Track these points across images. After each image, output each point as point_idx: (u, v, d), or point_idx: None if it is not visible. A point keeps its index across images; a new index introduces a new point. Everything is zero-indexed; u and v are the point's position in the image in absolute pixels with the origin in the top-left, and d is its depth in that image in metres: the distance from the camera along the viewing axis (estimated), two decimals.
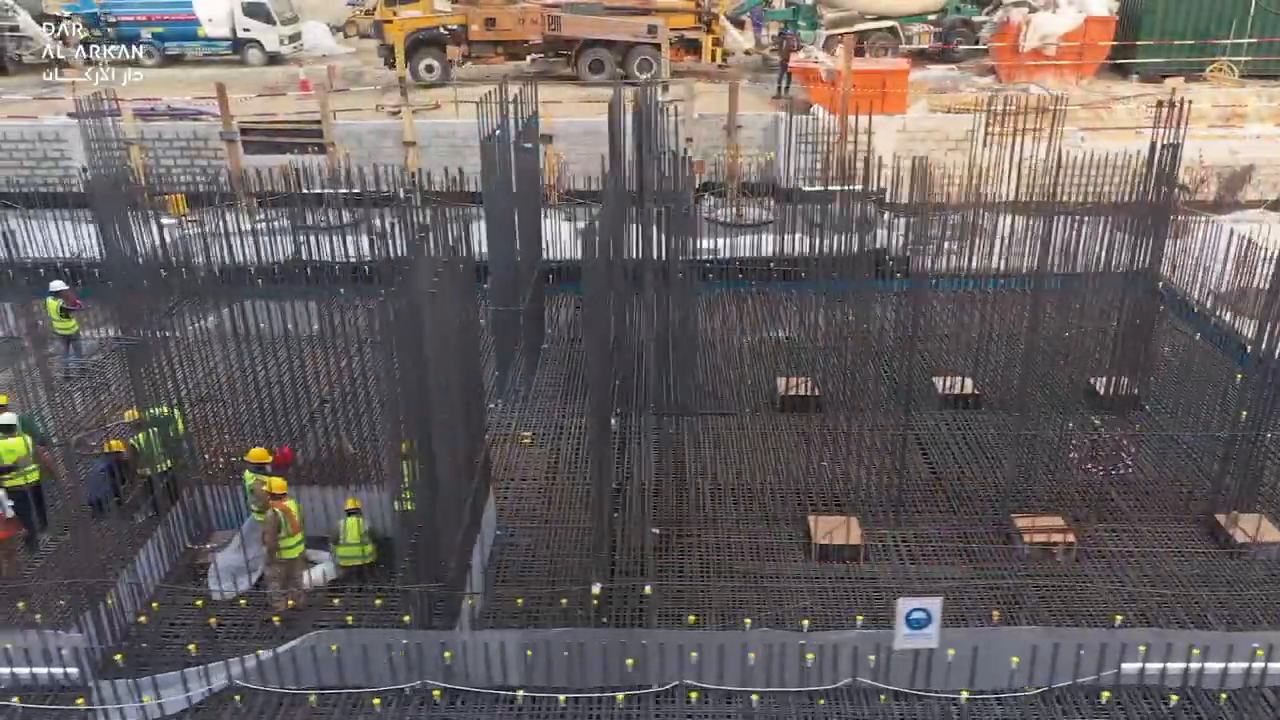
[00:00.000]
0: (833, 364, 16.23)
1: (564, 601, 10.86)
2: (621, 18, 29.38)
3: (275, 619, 11.45)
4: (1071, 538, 12.79)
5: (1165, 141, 15.07)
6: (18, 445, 13.11)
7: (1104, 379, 16.22)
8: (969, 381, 16.88)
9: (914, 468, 14.41)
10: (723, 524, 13.43)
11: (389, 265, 10.32)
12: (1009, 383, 16.80)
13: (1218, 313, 18.23)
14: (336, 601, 11.57)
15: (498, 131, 16.78)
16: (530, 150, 18.55)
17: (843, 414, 14.67)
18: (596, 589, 10.25)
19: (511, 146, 17.23)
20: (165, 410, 14.06)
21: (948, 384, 16.88)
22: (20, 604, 11.45)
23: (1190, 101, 15.69)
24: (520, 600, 11.41)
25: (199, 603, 11.72)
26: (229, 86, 27.30)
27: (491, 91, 17.32)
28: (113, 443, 14.18)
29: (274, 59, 36.02)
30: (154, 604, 11.56)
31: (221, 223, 23.35)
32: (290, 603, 11.74)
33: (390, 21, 29.28)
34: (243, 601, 11.89)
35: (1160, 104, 15.15)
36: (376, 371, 14.67)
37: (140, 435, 12.99)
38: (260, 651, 10.45)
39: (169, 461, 13.13)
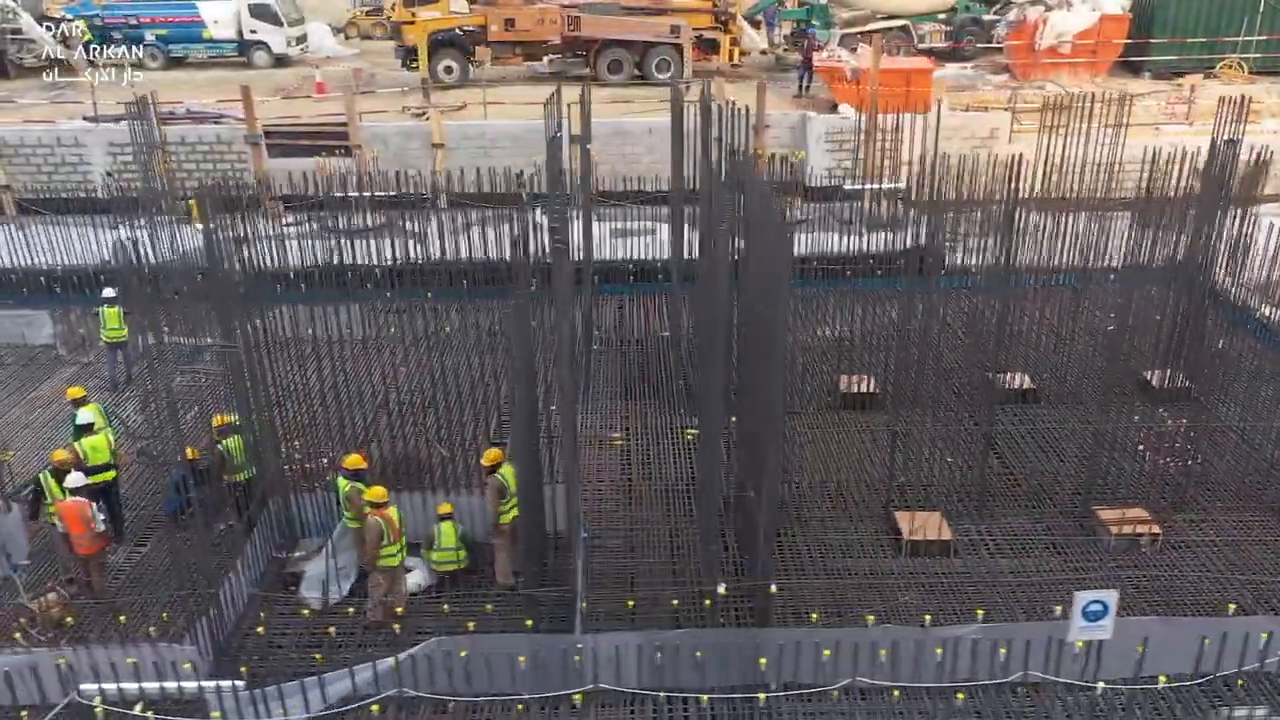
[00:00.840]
0: (891, 362, 16.36)
1: (675, 602, 10.81)
2: (642, 18, 29.36)
3: (396, 626, 11.30)
4: (1157, 529, 12.96)
5: (1227, 137, 15.31)
6: (100, 442, 13.12)
7: (1157, 372, 16.45)
8: (1025, 377, 17.04)
9: (988, 463, 14.52)
10: (809, 522, 13.48)
11: (521, 266, 10.23)
12: (1063, 378, 17.04)
13: (1262, 306, 18.52)
14: (446, 608, 11.45)
15: (557, 133, 16.79)
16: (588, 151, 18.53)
17: (912, 411, 14.82)
18: (722, 589, 10.24)
19: (569, 147, 17.25)
20: (238, 418, 14.00)
21: (1006, 380, 17.02)
22: (120, 618, 11.27)
23: (1246, 99, 15.94)
24: (631, 602, 11.38)
25: (306, 611, 11.58)
26: (237, 89, 27.03)
27: (554, 92, 17.31)
28: (190, 451, 14.03)
29: (280, 61, 35.64)
30: (263, 613, 11.40)
31: (248, 227, 23.30)
32: (399, 609, 11.63)
33: (410, 22, 29.06)
34: (341, 611, 11.77)
35: (1221, 100, 15.37)
36: (481, 373, 14.63)
37: (229, 441, 12.84)
38: (383, 659, 10.33)
39: (253, 469, 13.01)
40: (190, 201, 24.35)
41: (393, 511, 11.71)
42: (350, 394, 14.36)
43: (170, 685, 9.56)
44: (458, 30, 29.84)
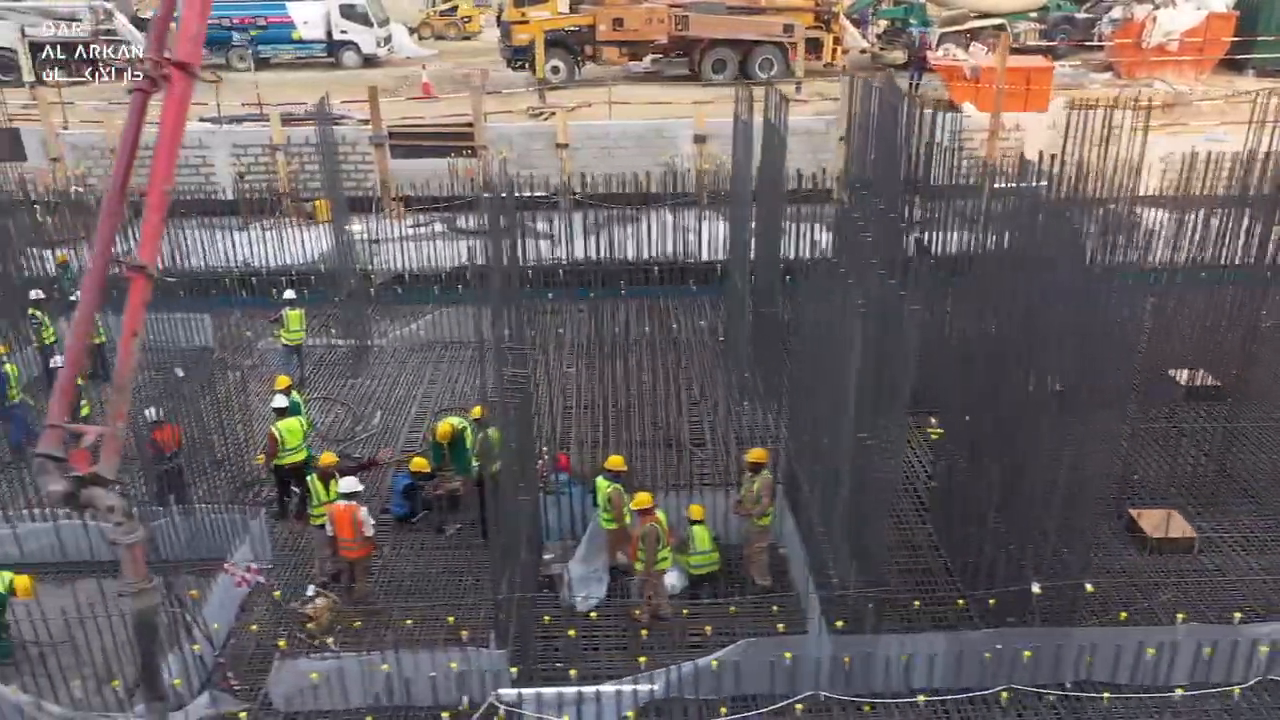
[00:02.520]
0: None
1: (993, 602, 10.76)
2: (753, 17, 29.31)
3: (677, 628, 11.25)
4: None
5: None
6: (294, 425, 13.39)
7: None
8: (1207, 374, 16.99)
9: (1194, 460, 14.46)
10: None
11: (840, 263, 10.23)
12: (1241, 374, 16.95)
13: None
14: (733, 610, 11.41)
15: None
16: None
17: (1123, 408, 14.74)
18: (1037, 588, 10.21)
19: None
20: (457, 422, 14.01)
21: (1189, 377, 16.99)
22: (407, 621, 11.22)
23: None
24: (918, 603, 11.33)
25: (592, 614, 11.52)
26: (330, 90, 26.93)
27: (741, 89, 17.33)
28: (417, 459, 14.01)
29: (368, 62, 35.59)
30: (545, 618, 11.36)
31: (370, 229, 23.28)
32: (666, 610, 11.61)
33: (522, 22, 29.01)
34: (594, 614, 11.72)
35: None
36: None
37: (492, 433, 12.83)
38: (687, 662, 10.29)
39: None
40: (316, 202, 24.36)
41: (661, 515, 11.67)
42: (581, 394, 14.28)
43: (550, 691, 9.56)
44: (565, 30, 29.81)
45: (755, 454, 12.26)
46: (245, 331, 19.52)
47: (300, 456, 13.49)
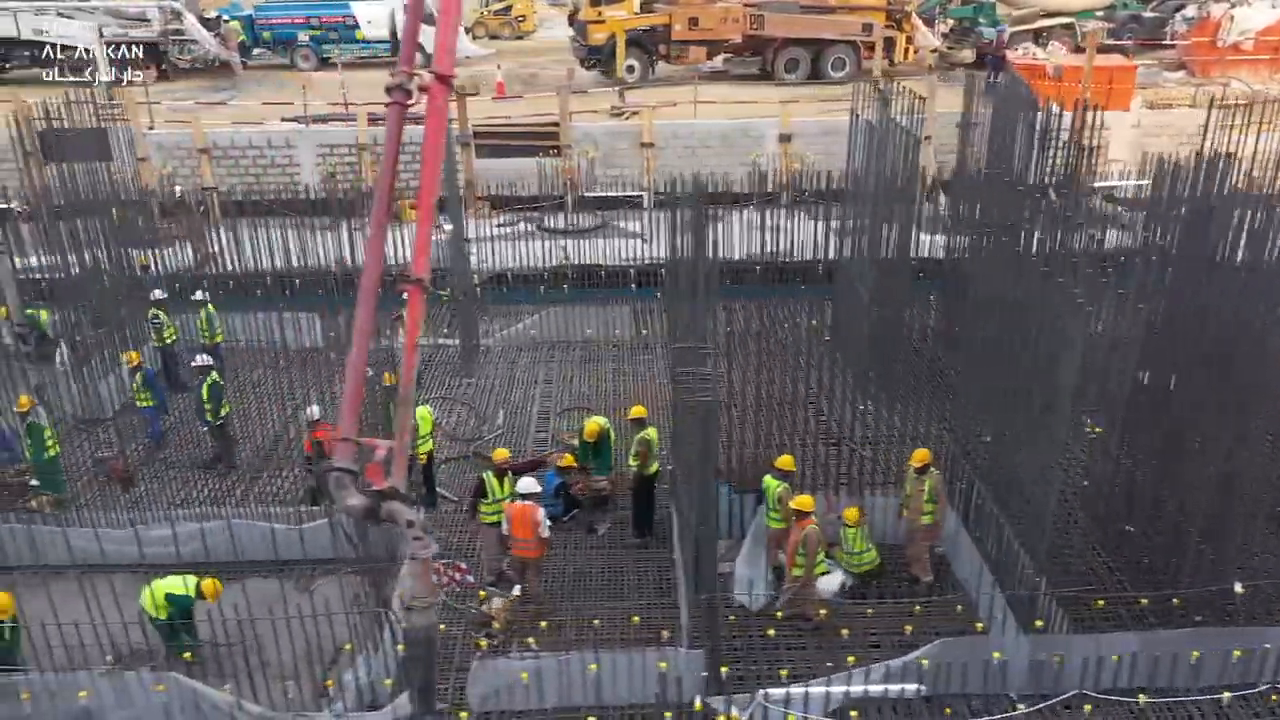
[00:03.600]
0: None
1: (1177, 601, 10.75)
2: (831, 16, 29.28)
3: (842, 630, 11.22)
4: None
5: None
6: (423, 413, 13.57)
7: None
8: None
9: None
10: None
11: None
12: None
13: None
14: (919, 609, 11.38)
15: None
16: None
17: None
18: (1239, 588, 10.18)
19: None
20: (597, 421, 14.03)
21: None
22: (595, 622, 11.21)
23: None
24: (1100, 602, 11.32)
25: (779, 614, 11.51)
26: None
27: (860, 86, 17.30)
28: (566, 457, 14.04)
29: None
30: (732, 616, 11.36)
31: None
32: (822, 613, 11.55)
33: (598, 22, 29.02)
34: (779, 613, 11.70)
35: None
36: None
37: (649, 433, 12.89)
38: (886, 661, 10.29)
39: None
40: (402, 202, 24.35)
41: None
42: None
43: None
44: (640, 29, 29.79)
45: (920, 455, 12.22)
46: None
47: (427, 447, 13.73)
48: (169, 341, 17.44)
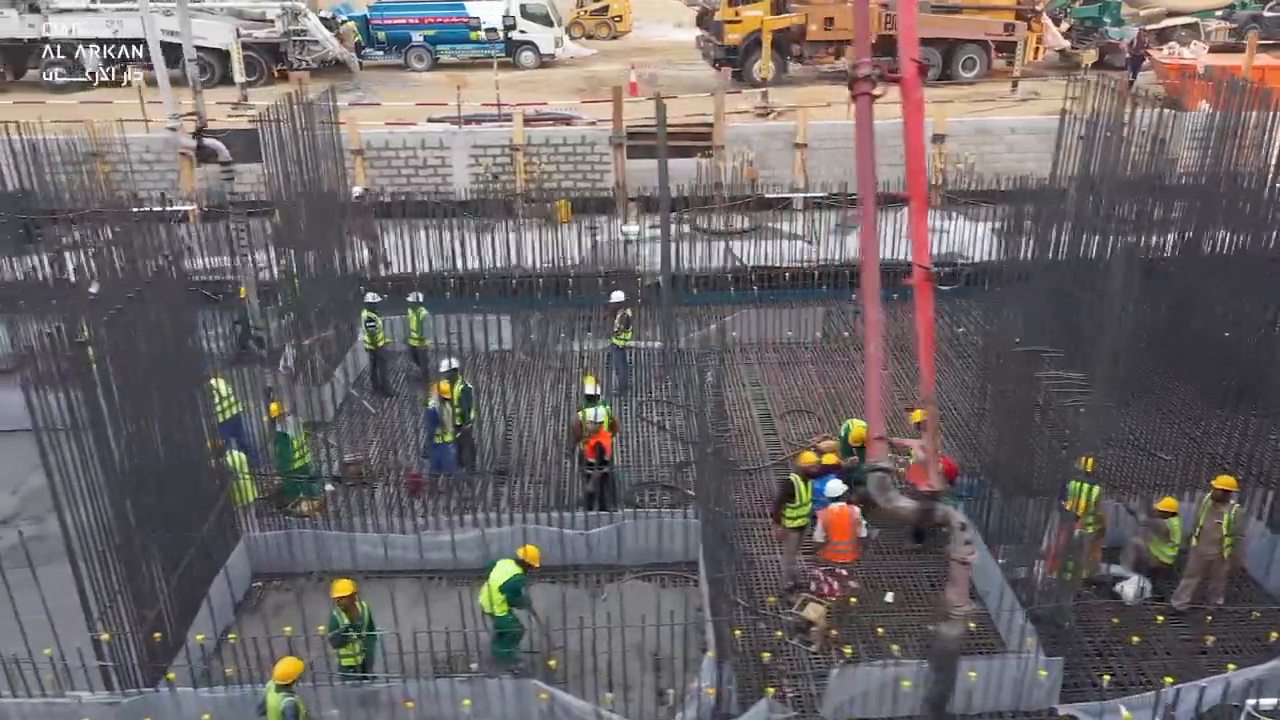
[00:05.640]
0: None
1: None
2: (970, 15, 29.11)
3: None
4: None
5: None
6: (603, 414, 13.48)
7: None
8: None
9: None
10: None
11: None
12: None
13: None
14: (1255, 615, 11.26)
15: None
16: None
17: None
18: None
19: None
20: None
21: None
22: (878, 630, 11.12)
23: None
24: None
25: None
26: (516, 88, 26.82)
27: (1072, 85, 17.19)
28: (828, 457, 13.94)
29: (545, 62, 35.59)
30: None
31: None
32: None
33: (735, 21, 28.91)
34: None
35: None
36: None
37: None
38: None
39: None
40: (559, 202, 24.31)
41: None
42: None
43: None
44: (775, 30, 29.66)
45: (1223, 481, 11.70)
46: (533, 335, 19.43)
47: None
48: (384, 344, 17.42)
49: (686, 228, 23.54)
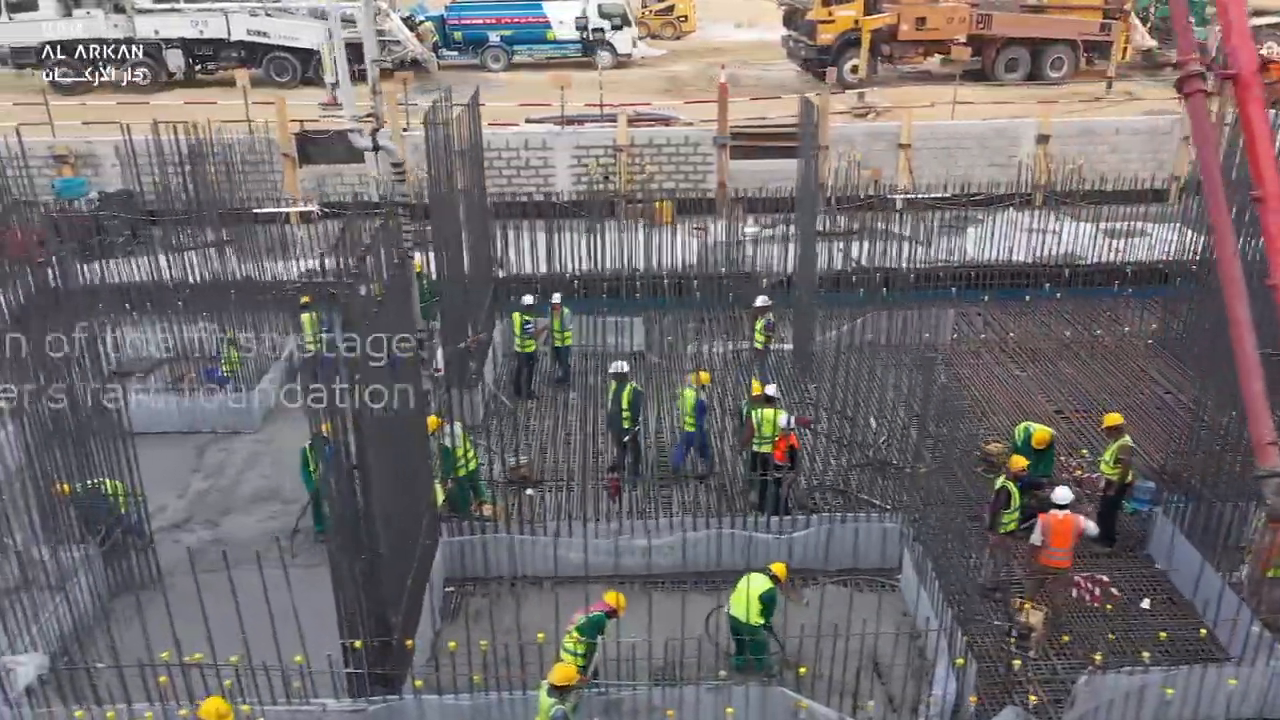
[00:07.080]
0: None
1: None
2: (1061, 14, 28.96)
3: None
4: None
5: None
6: (770, 415, 13.43)
7: None
8: None
9: None
10: None
11: None
12: None
13: None
14: None
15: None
16: None
17: None
18: None
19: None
20: None
21: None
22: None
23: None
24: None
25: None
26: (588, 89, 26.60)
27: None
28: (1015, 459, 13.81)
29: (621, 62, 35.51)
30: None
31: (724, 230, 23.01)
32: None
33: (828, 21, 28.80)
34: None
35: None
36: None
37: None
38: None
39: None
40: (660, 203, 24.21)
41: None
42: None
43: None
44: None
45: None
46: (667, 336, 19.38)
47: (768, 449, 13.46)
48: (530, 349, 17.36)
49: (794, 229, 23.54)
